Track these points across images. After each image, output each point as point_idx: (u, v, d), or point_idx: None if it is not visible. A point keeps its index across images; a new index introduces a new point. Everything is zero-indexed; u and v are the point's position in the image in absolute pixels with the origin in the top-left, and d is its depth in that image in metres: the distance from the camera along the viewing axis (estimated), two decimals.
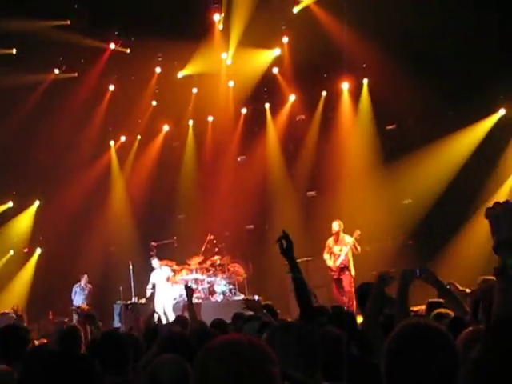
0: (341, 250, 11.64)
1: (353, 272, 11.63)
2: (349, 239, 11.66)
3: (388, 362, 1.93)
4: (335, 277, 11.69)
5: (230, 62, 15.55)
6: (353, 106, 15.16)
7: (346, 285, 11.46)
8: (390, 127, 14.84)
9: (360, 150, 14.68)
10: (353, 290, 10.82)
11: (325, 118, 15.51)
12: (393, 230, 13.81)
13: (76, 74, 15.55)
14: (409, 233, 13.69)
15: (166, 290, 13.38)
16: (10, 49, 14.33)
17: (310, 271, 12.51)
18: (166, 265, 13.75)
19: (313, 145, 15.51)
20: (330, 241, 11.89)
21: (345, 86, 15.16)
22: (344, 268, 11.58)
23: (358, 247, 11.68)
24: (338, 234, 11.74)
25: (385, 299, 4.70)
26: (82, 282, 14.10)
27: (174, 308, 12.94)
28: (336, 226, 11.77)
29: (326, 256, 11.95)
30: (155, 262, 13.56)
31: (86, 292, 14.05)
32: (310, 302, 3.70)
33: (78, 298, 14.01)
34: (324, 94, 15.42)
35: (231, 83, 16.00)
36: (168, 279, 13.43)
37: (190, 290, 6.63)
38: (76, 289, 14.10)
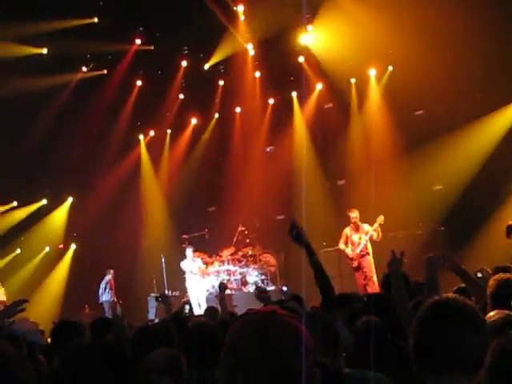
0: (360, 238, 11.55)
1: (371, 257, 11.54)
2: (368, 227, 11.54)
3: (418, 336, 1.97)
4: (355, 265, 11.59)
5: (255, 52, 15.54)
6: (380, 92, 15.03)
7: (367, 270, 11.38)
8: (418, 113, 14.68)
9: (389, 136, 14.53)
10: (375, 275, 10.99)
11: (352, 106, 15.40)
12: (423, 217, 13.66)
13: (105, 71, 15.70)
14: (439, 219, 13.53)
15: (199, 281, 13.38)
16: (41, 48, 14.54)
17: (342, 258, 12.55)
18: (199, 257, 13.81)
19: (341, 133, 15.42)
20: (347, 230, 11.78)
21: (372, 73, 15.02)
22: (364, 255, 11.50)
23: (380, 233, 11.52)
24: (356, 223, 11.63)
25: (414, 285, 4.71)
26: (107, 277, 14.25)
27: (208, 299, 12.98)
28: (354, 216, 11.64)
29: (342, 246, 11.84)
30: (189, 252, 13.47)
31: (111, 286, 14.17)
32: (328, 284, 3.73)
33: (107, 295, 14.21)
34: (353, 81, 15.30)
35: (257, 74, 15.98)
36: (199, 270, 13.43)
37: (223, 287, 6.73)
38: (103, 285, 14.27)
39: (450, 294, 2.14)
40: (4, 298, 12.62)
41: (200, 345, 3.72)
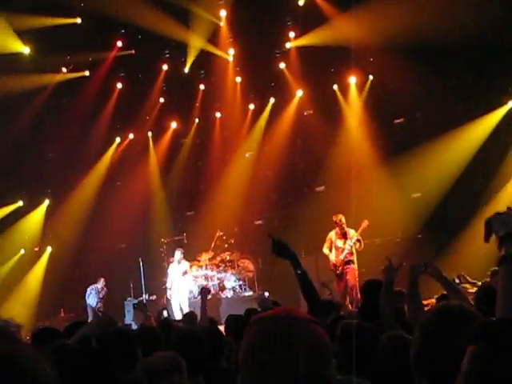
0: (345, 243, 11.23)
1: (356, 266, 11.25)
2: (353, 233, 11.27)
3: (420, 344, 1.92)
4: (338, 272, 11.23)
5: (236, 57, 15.58)
6: (360, 100, 15.15)
7: (350, 278, 11.06)
8: (398, 121, 14.83)
9: (368, 144, 14.66)
10: (357, 283, 10.59)
11: (333, 113, 15.49)
12: (402, 224, 13.78)
13: (86, 73, 15.56)
14: (418, 226, 13.65)
15: (183, 285, 13.12)
16: (23, 47, 14.34)
17: (319, 267, 12.52)
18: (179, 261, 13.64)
19: (321, 140, 15.48)
20: (332, 234, 11.44)
21: (352, 81, 15.14)
22: (349, 261, 11.18)
23: (362, 244, 11.24)
24: (341, 227, 11.31)
25: (395, 294, 4.74)
26: (99, 285, 14.09)
27: (191, 303, 12.81)
28: (339, 220, 11.32)
29: (326, 251, 11.46)
30: (177, 255, 13.20)
31: (101, 295, 14.05)
32: (316, 296, 3.68)
33: (92, 300, 14.05)
34: (334, 88, 15.39)
35: (238, 79, 16.01)
36: (185, 273, 13.19)
37: (205, 292, 6.64)
38: (92, 291, 14.10)
39: (454, 302, 2.13)
40: None
41: (187, 351, 3.69)
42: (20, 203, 16.46)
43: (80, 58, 15.23)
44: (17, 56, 14.01)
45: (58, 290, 14.95)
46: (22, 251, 16.47)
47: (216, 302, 13.24)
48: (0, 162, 15.17)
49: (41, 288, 15.75)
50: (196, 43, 15.11)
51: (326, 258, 11.56)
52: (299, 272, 3.57)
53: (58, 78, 15.43)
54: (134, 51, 15.29)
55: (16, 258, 16.33)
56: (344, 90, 15.40)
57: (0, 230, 16.09)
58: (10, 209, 16.30)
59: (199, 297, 12.66)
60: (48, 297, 15.05)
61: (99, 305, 13.85)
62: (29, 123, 14.96)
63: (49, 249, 16.67)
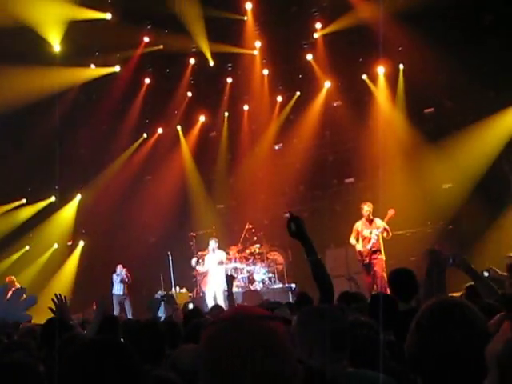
0: (371, 232, 11.09)
1: (383, 256, 11.11)
2: (380, 222, 11.11)
3: (418, 336, 1.86)
4: (365, 262, 11.13)
5: (263, 50, 15.52)
6: (389, 90, 14.95)
7: (378, 269, 10.91)
8: (428, 110, 14.60)
9: (398, 134, 14.45)
10: (385, 274, 10.44)
11: (361, 103, 15.32)
12: (432, 215, 13.60)
13: (117, 68, 15.67)
14: (449, 217, 13.44)
15: (218, 275, 12.94)
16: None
17: (349, 259, 12.44)
18: (203, 255, 13.65)
19: (350, 131, 15.35)
20: (359, 224, 11.35)
21: (380, 71, 14.94)
22: (376, 251, 11.04)
23: (390, 233, 11.11)
24: (368, 217, 11.20)
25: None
26: (118, 270, 14.27)
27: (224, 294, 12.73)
28: (367, 209, 11.22)
29: (353, 241, 11.38)
30: (212, 244, 13.18)
31: (122, 278, 14.17)
32: (328, 285, 3.57)
33: (117, 287, 14.24)
34: (364, 77, 15.21)
35: (266, 71, 15.95)
36: (221, 263, 13.10)
37: (230, 279, 6.60)
38: (114, 280, 14.29)
39: (451, 296, 2.04)
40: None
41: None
42: (53, 199, 16.75)
43: (108, 54, 15.37)
44: (45, 53, 14.18)
45: (91, 283, 15.14)
46: (56, 246, 16.76)
47: (251, 294, 13.24)
48: (33, 159, 15.43)
49: (74, 281, 16.01)
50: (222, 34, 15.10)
51: (354, 248, 11.48)
52: (311, 259, 3.44)
53: (88, 74, 15.58)
54: (162, 46, 15.34)
55: (49, 252, 16.65)
56: (373, 79, 15.21)
57: (34, 225, 16.42)
58: (44, 204, 16.62)
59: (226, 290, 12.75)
60: (81, 290, 15.27)
61: (124, 290, 14.01)
62: (59, 120, 15.15)
63: (81, 243, 16.94)
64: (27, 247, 16.40)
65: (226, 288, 12.74)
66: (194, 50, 15.70)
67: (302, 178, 15.80)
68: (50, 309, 4.89)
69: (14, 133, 15.14)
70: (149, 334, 4.05)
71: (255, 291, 13.50)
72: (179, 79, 16.07)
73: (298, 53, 15.44)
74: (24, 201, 16.45)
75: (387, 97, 15.03)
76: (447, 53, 12.47)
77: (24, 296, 11.27)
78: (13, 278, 13.01)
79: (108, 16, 14.26)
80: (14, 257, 16.17)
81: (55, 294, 4.97)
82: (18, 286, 12.47)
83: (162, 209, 15.85)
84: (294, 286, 13.39)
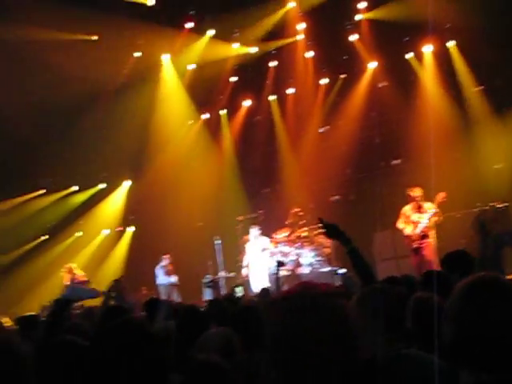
0: (420, 217, 10.85)
1: (433, 240, 10.85)
2: (429, 206, 10.87)
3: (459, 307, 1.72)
4: (415, 246, 10.90)
5: (306, 32, 15.38)
6: (437, 68, 14.62)
7: (427, 253, 10.69)
8: (478, 89, 14.21)
9: (446, 113, 14.13)
10: (435, 258, 10.21)
11: (408, 83, 15.03)
12: (482, 196, 13.27)
13: (163, 57, 15.80)
14: (500, 198, 13.09)
15: (262, 261, 13.06)
16: (91, 35, 14.77)
17: (396, 242, 12.30)
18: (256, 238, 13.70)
19: (396, 111, 15.10)
20: (407, 209, 11.13)
21: (428, 49, 14.61)
22: (425, 236, 10.80)
23: (441, 216, 10.82)
24: (416, 201, 10.96)
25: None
26: (164, 263, 14.46)
27: (270, 279, 12.80)
28: (418, 195, 10.97)
29: (400, 225, 11.16)
30: (254, 231, 13.25)
31: (169, 271, 14.37)
32: (369, 273, 3.60)
33: (162, 277, 14.45)
34: (409, 57, 14.92)
35: (309, 54, 15.80)
36: (265, 249, 13.15)
37: (280, 264, 6.64)
38: (158, 271, 14.51)
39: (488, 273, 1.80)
40: (86, 278, 13.09)
41: (245, 326, 3.71)
42: (102, 185, 17.11)
43: (152, 41, 15.48)
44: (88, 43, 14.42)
45: (140, 268, 15.42)
46: (106, 231, 17.12)
47: (294, 278, 13.26)
48: (82, 148, 15.76)
49: (124, 266, 16.33)
50: (266, 20, 15.03)
51: (402, 232, 11.31)
52: (348, 251, 3.57)
53: (132, 62, 15.76)
54: (205, 32, 15.38)
55: (99, 238, 17.03)
56: (419, 59, 14.89)
57: (85, 212, 16.82)
58: (94, 191, 17.00)
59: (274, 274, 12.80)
60: (131, 275, 15.56)
61: (170, 282, 14.21)
62: (104, 109, 15.42)
63: (130, 229, 17.25)
64: (79, 233, 16.82)
65: (271, 272, 12.90)
66: (236, 34, 15.69)
67: (348, 160, 15.63)
68: (107, 292, 5.00)
69: (62, 123, 15.47)
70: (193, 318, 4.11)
71: (297, 276, 13.50)
72: (223, 64, 16.08)
73: (341, 34, 15.24)
74: (75, 188, 16.87)
75: (434, 75, 14.70)
76: (498, 29, 12.09)
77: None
78: (70, 265, 13.32)
79: (149, 2, 14.36)
80: (67, 242, 16.63)
81: (115, 280, 5.09)
82: (77, 273, 12.77)
83: (208, 194, 15.96)
84: (344, 270, 13.30)
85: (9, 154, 15.04)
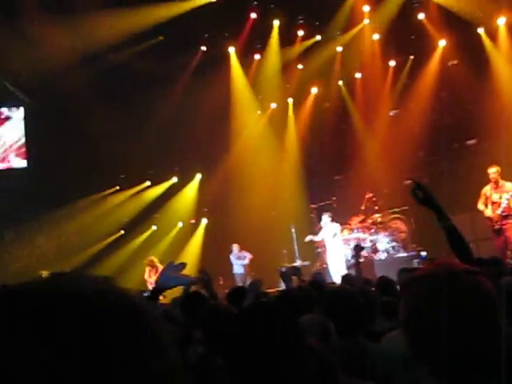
0: (501, 197, 10.49)
1: None
2: (510, 186, 10.52)
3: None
4: (496, 227, 10.56)
5: (371, 14, 15.11)
6: (511, 42, 14.08)
7: (510, 234, 10.36)
8: None
9: None
10: None
11: (480, 60, 14.54)
12: None
13: (231, 49, 15.90)
14: None
15: (336, 248, 13.04)
16: (157, 37, 15.05)
17: (476, 224, 11.99)
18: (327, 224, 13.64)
19: (469, 90, 14.64)
20: (487, 189, 10.77)
21: (501, 22, 14.05)
22: (507, 216, 10.43)
23: None
24: (496, 181, 10.59)
25: None
26: (235, 251, 14.59)
27: (346, 266, 12.79)
28: (494, 172, 10.60)
29: (481, 206, 10.84)
30: (325, 218, 13.18)
31: (242, 259, 14.47)
32: (467, 252, 3.42)
33: (237, 266, 14.58)
34: (480, 32, 14.42)
35: (376, 36, 15.53)
36: (335, 235, 13.10)
37: (358, 249, 6.56)
38: (233, 261, 14.65)
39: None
40: None
41: (342, 310, 3.69)
42: (174, 180, 17.43)
43: (217, 34, 15.59)
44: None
45: (216, 258, 15.62)
46: (180, 224, 17.44)
47: (370, 264, 13.14)
48: (153, 144, 16.08)
49: (199, 258, 16.59)
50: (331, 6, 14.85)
51: (482, 214, 10.98)
52: (444, 225, 3.31)
53: (198, 56, 15.94)
54: (272, 21, 15.35)
55: (174, 231, 17.36)
56: (491, 34, 14.37)
57: (158, 206, 17.19)
58: (166, 186, 17.34)
59: (353, 260, 12.73)
60: (207, 266, 15.78)
61: (244, 269, 14.33)
62: (173, 104, 15.66)
63: (204, 221, 17.51)
64: (154, 227, 17.21)
65: (348, 258, 12.83)
66: (301, 21, 15.58)
67: (420, 143, 15.30)
68: (203, 277, 5.10)
69: (133, 120, 15.81)
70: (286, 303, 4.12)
71: (373, 262, 13.35)
72: (289, 52, 16.02)
73: (408, 13, 14.88)
74: (148, 183, 17.25)
75: (509, 50, 14.16)
76: None
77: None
78: (152, 258, 13.63)
79: None
80: (143, 237, 17.04)
81: (202, 270, 5.19)
82: (159, 265, 13.07)
83: (281, 182, 15.99)
84: (424, 253, 13.07)
85: (85, 153, 15.52)
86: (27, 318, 0.61)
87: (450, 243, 3.44)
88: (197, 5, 14.37)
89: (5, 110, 16.34)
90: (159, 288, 3.63)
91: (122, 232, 17.12)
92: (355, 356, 3.39)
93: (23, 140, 16.61)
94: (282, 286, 13.49)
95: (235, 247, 14.58)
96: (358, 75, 16.34)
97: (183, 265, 3.37)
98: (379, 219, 14.14)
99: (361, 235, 13.95)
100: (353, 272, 8.08)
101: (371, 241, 13.94)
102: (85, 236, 16.41)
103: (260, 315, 1.85)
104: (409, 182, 15.43)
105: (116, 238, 17.00)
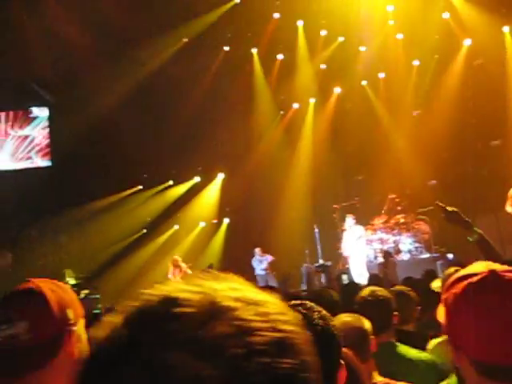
0: None
1: None
2: None
3: None
4: None
5: (395, 13, 15.01)
6: None
7: None
8: None
9: None
10: None
11: (505, 60, 14.37)
12: None
13: (254, 50, 15.91)
14: None
15: (359, 249, 13.10)
16: (181, 39, 15.14)
17: (500, 225, 11.86)
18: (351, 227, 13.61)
19: (493, 90, 14.47)
20: None
21: None
22: None
23: None
24: None
25: None
26: (257, 255, 14.58)
27: (368, 267, 12.81)
28: None
29: (509, 208, 10.80)
30: (349, 220, 13.27)
31: (265, 263, 14.47)
32: (497, 256, 3.45)
33: (258, 268, 14.58)
34: (506, 30, 14.25)
35: (400, 36, 15.41)
36: (360, 237, 13.16)
37: (387, 255, 6.56)
38: (254, 263, 14.65)
39: None
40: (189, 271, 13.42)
41: (377, 312, 3.69)
42: (197, 179, 17.48)
43: (240, 34, 15.62)
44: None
45: (237, 258, 15.63)
46: (202, 224, 17.48)
47: (392, 265, 13.06)
48: (176, 143, 16.14)
49: (221, 258, 16.62)
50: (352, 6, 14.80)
51: (509, 216, 10.82)
52: (474, 240, 3.41)
53: (221, 57, 15.98)
54: (295, 22, 15.35)
55: (196, 230, 17.41)
56: None
57: (181, 206, 17.25)
58: (189, 185, 17.41)
59: (375, 260, 12.71)
60: (228, 266, 15.81)
61: (266, 271, 14.32)
62: (196, 105, 15.72)
63: (226, 220, 17.53)
64: (176, 226, 17.27)
65: (371, 259, 12.80)
66: (323, 22, 15.54)
67: (443, 143, 15.13)
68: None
69: (156, 120, 15.90)
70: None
71: (396, 263, 13.28)
72: (312, 53, 15.98)
73: (432, 12, 14.75)
74: (171, 182, 17.33)
75: None
76: None
77: None
78: (176, 257, 13.68)
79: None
80: (165, 236, 17.11)
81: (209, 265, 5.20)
82: (182, 265, 13.12)
83: (302, 183, 15.96)
84: (451, 255, 12.96)
85: (108, 153, 15.64)
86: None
87: (484, 254, 3.48)
88: (223, 11, 14.48)
89: (32, 110, 16.61)
90: None
91: (145, 231, 17.22)
92: (389, 359, 3.39)
93: (48, 139, 16.86)
94: (305, 286, 13.55)
95: (257, 251, 14.59)
96: (381, 75, 16.23)
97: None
98: (402, 220, 14.05)
99: (384, 236, 13.88)
100: (376, 273, 8.09)
101: (394, 241, 13.86)
102: (107, 235, 16.53)
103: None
104: (432, 182, 15.37)
105: (138, 237, 17.10)
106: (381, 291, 4.12)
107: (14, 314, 1.54)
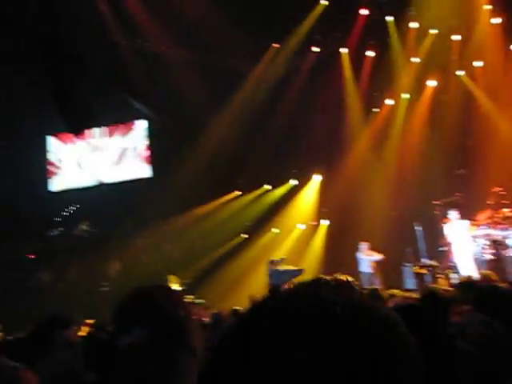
0: None
1: None
2: None
3: None
4: None
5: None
6: None
7: None
8: None
9: None
10: None
11: None
12: None
13: (344, 50, 15.78)
14: None
15: (465, 245, 12.63)
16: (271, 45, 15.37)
17: None
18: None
19: None
20: None
21: None
22: None
23: None
24: None
25: None
26: (363, 251, 14.37)
27: (477, 262, 12.30)
28: None
29: None
30: (453, 215, 12.85)
31: (369, 258, 14.24)
32: None
33: (363, 264, 14.38)
34: None
35: (497, 20, 14.67)
36: (465, 233, 12.69)
37: (501, 246, 6.25)
38: (360, 260, 14.45)
39: None
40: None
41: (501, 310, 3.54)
42: (294, 182, 17.53)
43: (329, 34, 15.54)
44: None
45: (337, 258, 15.47)
46: (302, 226, 17.48)
47: (500, 262, 12.45)
48: (271, 148, 16.30)
49: (322, 260, 16.54)
50: None
51: None
52: None
53: (311, 58, 15.96)
54: (383, 16, 15.08)
55: (296, 233, 17.42)
56: None
57: (279, 209, 17.37)
58: (286, 188, 17.50)
59: (483, 257, 12.17)
60: (329, 266, 15.70)
61: (371, 270, 14.07)
62: (290, 107, 15.77)
63: (325, 222, 17.42)
64: (276, 230, 17.39)
65: (478, 255, 12.24)
66: (412, 13, 15.13)
67: None
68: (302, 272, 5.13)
69: (251, 128, 16.09)
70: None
71: (504, 259, 12.64)
72: (403, 46, 15.61)
73: None
74: (268, 187, 17.50)
75: None
76: None
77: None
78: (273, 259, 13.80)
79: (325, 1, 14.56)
80: (265, 240, 17.27)
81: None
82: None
83: (401, 180, 15.58)
84: None
85: (205, 161, 16.05)
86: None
87: None
88: (315, 15, 14.53)
89: (134, 123, 17.43)
90: (276, 287, 3.68)
91: (246, 236, 17.46)
92: None
93: (148, 151, 17.64)
94: (408, 285, 13.19)
95: (364, 245, 14.41)
96: (478, 64, 15.55)
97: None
98: (509, 214, 13.35)
99: (490, 231, 13.23)
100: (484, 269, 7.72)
101: (501, 237, 13.18)
102: (208, 241, 16.93)
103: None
104: None
105: (240, 242, 17.37)
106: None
107: (130, 321, 1.58)
